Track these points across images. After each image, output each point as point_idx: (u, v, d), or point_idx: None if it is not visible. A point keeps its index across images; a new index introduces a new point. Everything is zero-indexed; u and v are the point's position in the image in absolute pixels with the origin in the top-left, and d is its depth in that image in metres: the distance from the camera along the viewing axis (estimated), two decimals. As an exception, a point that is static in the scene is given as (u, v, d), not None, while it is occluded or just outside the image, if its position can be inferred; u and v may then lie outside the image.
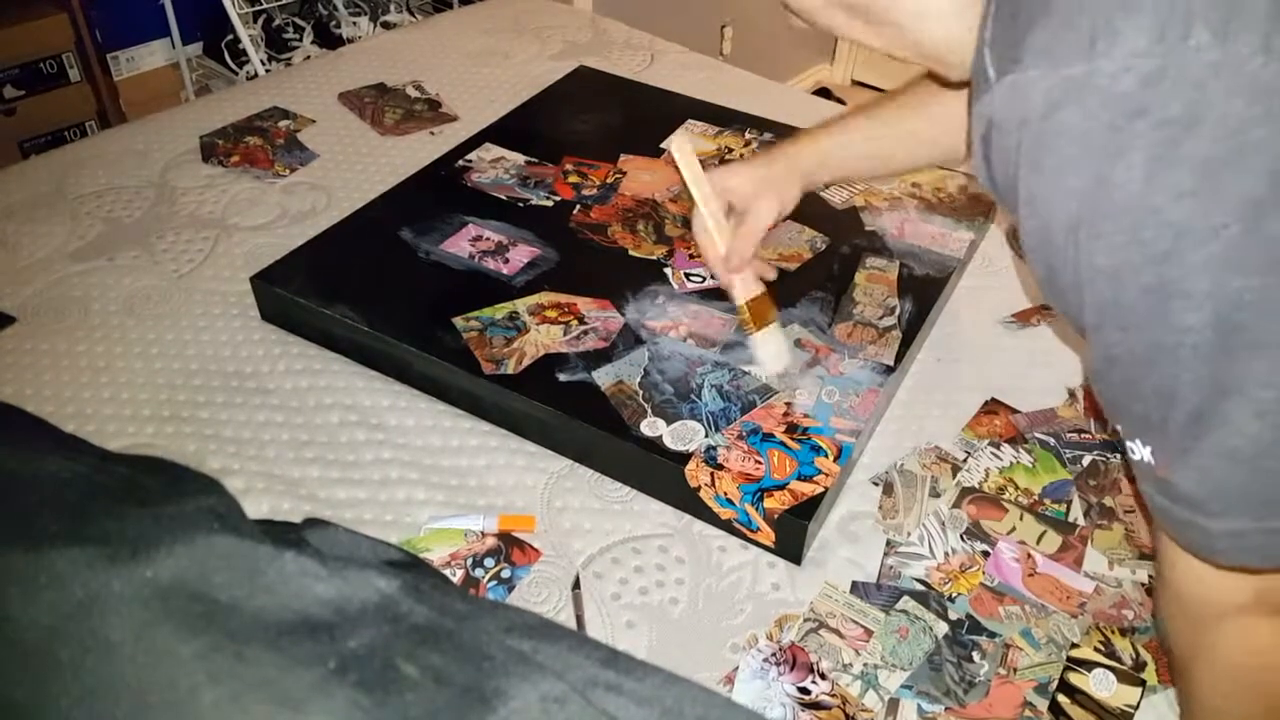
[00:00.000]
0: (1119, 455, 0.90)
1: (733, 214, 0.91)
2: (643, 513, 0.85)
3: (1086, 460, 0.89)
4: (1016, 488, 0.87)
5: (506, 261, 1.04)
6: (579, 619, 0.76)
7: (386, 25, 2.54)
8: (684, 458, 0.82)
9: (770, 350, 0.91)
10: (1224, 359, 0.46)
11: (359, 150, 1.33)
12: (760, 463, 0.82)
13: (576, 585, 0.79)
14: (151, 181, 1.25)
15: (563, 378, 0.90)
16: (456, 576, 0.79)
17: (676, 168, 0.90)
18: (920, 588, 0.79)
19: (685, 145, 0.89)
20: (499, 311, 0.97)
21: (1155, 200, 0.45)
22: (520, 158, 1.23)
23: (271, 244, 1.13)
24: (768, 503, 0.79)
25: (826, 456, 0.83)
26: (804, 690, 0.72)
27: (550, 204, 1.14)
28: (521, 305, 0.98)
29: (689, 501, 0.84)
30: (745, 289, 0.91)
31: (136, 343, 1.01)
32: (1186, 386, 0.48)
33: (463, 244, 1.06)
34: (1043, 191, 0.49)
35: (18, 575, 0.33)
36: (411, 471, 0.88)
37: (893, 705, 0.71)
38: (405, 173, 1.21)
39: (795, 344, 0.94)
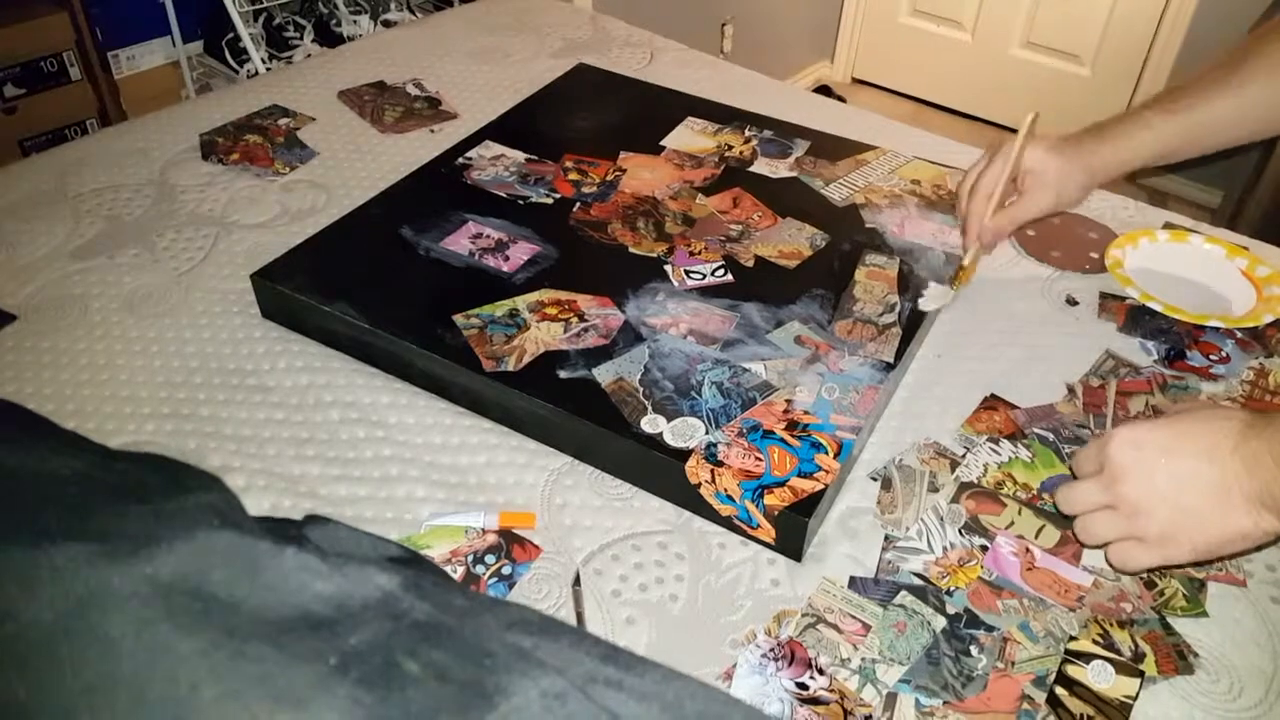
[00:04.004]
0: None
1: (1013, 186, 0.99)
2: (643, 509, 0.85)
3: (1086, 456, 0.90)
4: (1015, 483, 0.87)
5: (507, 259, 1.04)
6: (579, 615, 0.77)
7: (387, 23, 2.54)
8: (684, 455, 0.83)
9: (940, 299, 1.00)
10: None
11: (359, 148, 1.33)
12: (760, 459, 0.82)
13: (577, 582, 0.79)
14: (152, 180, 1.25)
15: (563, 375, 0.90)
16: (457, 573, 0.79)
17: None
18: (918, 582, 0.79)
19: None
20: (499, 309, 0.97)
21: None
22: (520, 155, 1.23)
23: (272, 242, 1.13)
24: (768, 499, 0.79)
25: (827, 453, 0.83)
26: (802, 685, 0.72)
27: (550, 201, 1.15)
28: (522, 302, 0.98)
29: (689, 498, 0.84)
30: (972, 254, 1.00)
31: (137, 340, 1.01)
32: None
33: (463, 241, 1.06)
34: None
35: (18, 572, 0.33)
36: (412, 469, 0.88)
37: (890, 699, 0.71)
38: (405, 170, 1.21)
39: (796, 340, 0.94)
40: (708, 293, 1.01)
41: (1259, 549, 0.73)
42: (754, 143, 1.27)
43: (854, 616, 0.77)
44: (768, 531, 0.81)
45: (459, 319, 0.96)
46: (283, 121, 1.37)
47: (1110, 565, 0.72)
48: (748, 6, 3.07)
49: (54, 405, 0.93)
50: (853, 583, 0.79)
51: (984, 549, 0.82)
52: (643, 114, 1.34)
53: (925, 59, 3.41)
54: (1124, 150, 0.96)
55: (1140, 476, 0.66)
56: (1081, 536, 0.73)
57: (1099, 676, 0.73)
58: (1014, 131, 1.01)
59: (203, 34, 2.56)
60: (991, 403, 0.96)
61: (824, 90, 3.29)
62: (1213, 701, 0.72)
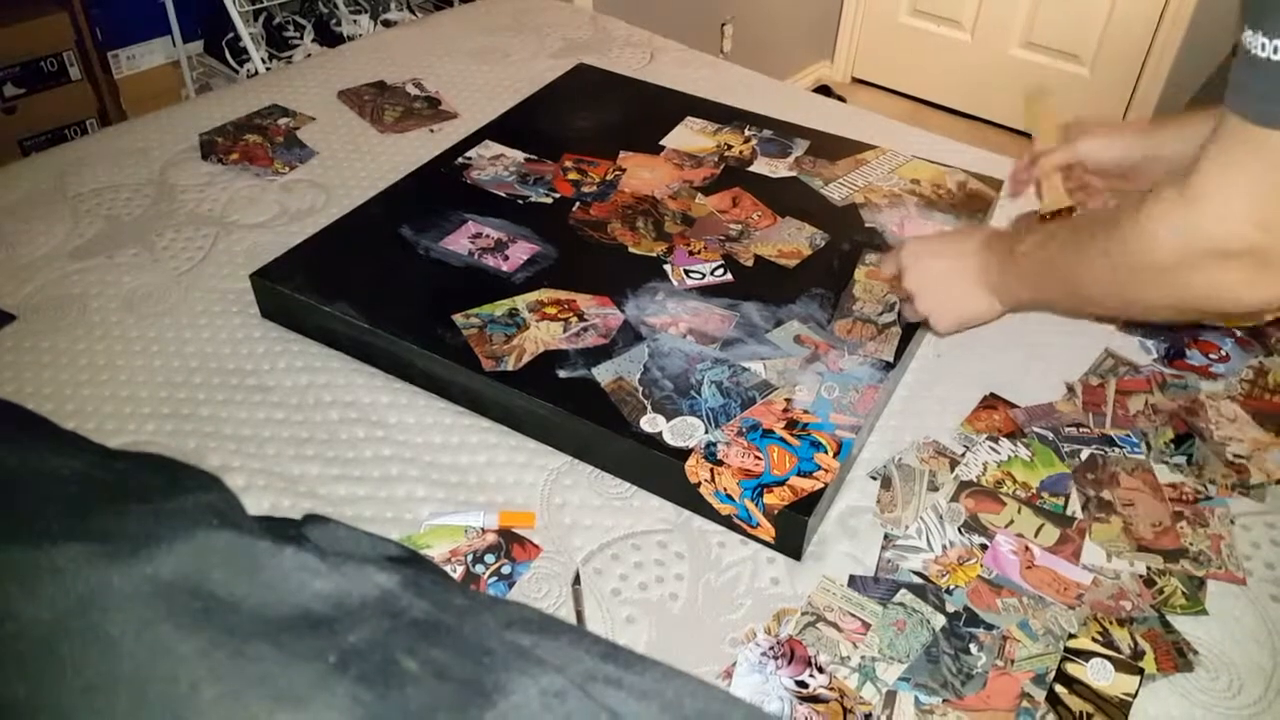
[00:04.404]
0: (1116, 449, 0.90)
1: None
2: (642, 509, 0.85)
3: (1085, 454, 0.90)
4: (1014, 481, 0.87)
5: (506, 258, 1.04)
6: (579, 614, 0.77)
7: (386, 23, 2.53)
8: (684, 454, 0.83)
9: None
10: None
11: (359, 148, 1.33)
12: (760, 459, 0.82)
13: (576, 581, 0.79)
14: (151, 179, 1.25)
15: (562, 374, 0.90)
16: (457, 573, 0.79)
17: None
18: (918, 581, 0.79)
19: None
20: (499, 308, 0.97)
21: None
22: (520, 155, 1.23)
23: (271, 241, 1.13)
24: (767, 498, 0.79)
25: (826, 452, 0.83)
26: (802, 683, 0.72)
27: (550, 201, 1.15)
28: (521, 302, 0.98)
29: (689, 497, 0.84)
30: (1053, 202, 0.98)
31: (136, 340, 1.01)
32: None
33: (462, 241, 1.06)
34: None
35: (19, 571, 0.33)
36: (412, 468, 0.88)
37: (890, 697, 0.71)
38: (405, 170, 1.21)
39: (796, 339, 0.95)
40: (707, 292, 1.01)
41: (992, 321, 0.94)
42: (754, 142, 1.27)
43: (854, 615, 0.77)
44: (767, 530, 0.81)
45: (459, 319, 0.96)
46: (282, 121, 1.37)
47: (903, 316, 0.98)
48: (748, 6, 3.06)
49: (53, 405, 0.93)
50: (852, 581, 0.79)
51: (983, 547, 0.82)
52: (642, 114, 1.34)
53: (925, 59, 3.40)
54: (1187, 128, 0.93)
55: (914, 272, 0.92)
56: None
57: (1098, 674, 0.73)
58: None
59: (203, 34, 2.56)
60: (991, 402, 0.96)
61: (824, 90, 3.29)
62: (1212, 699, 0.72)
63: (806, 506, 0.79)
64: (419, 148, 1.32)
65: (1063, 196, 0.96)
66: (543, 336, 0.94)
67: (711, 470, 0.81)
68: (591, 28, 1.70)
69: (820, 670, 0.73)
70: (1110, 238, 0.74)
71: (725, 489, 0.81)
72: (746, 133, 1.29)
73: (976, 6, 3.23)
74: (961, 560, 0.81)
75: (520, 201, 1.14)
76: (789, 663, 0.73)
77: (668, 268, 1.04)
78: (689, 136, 1.28)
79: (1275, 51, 0.60)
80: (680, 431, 0.85)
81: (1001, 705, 0.71)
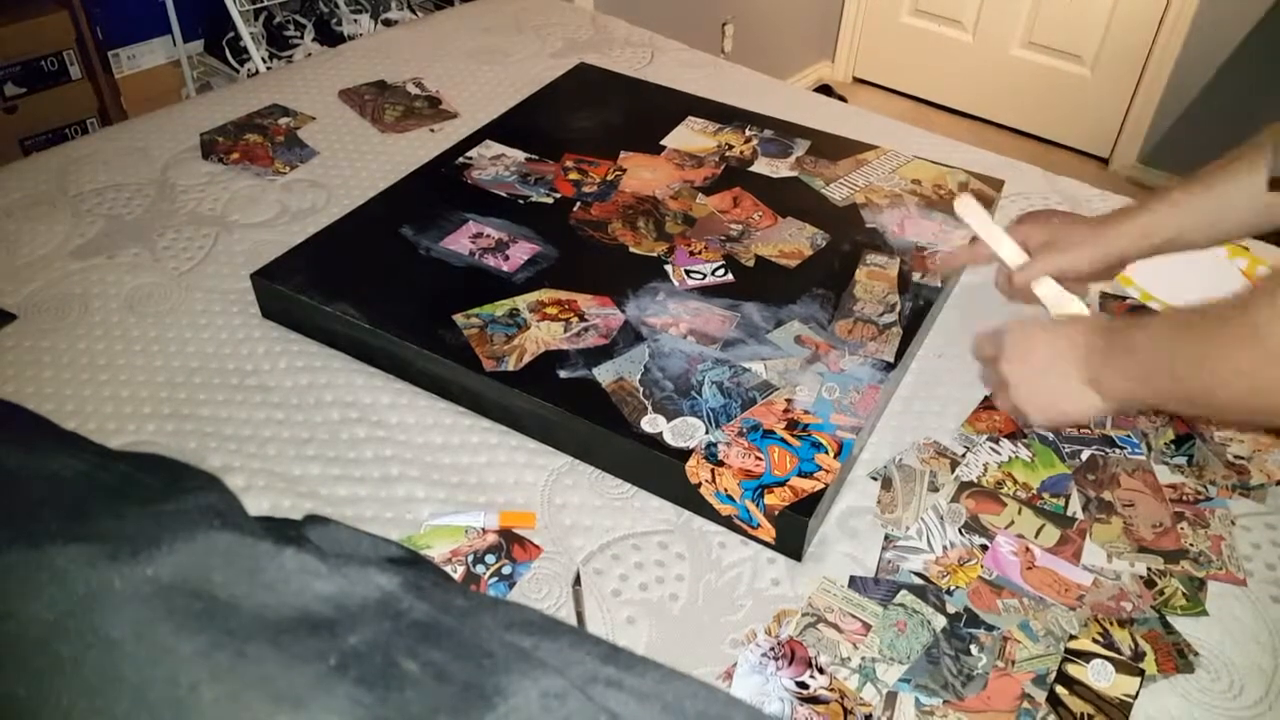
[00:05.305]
0: (1117, 450, 0.90)
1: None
2: (643, 509, 0.85)
3: (1085, 455, 0.90)
4: (1015, 482, 0.87)
5: (507, 258, 1.04)
6: (579, 615, 0.77)
7: (387, 22, 2.53)
8: (684, 454, 0.83)
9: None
10: None
11: (359, 147, 1.33)
12: (760, 459, 0.82)
13: (577, 581, 0.79)
14: (152, 179, 1.25)
15: (563, 375, 0.90)
16: (457, 573, 0.79)
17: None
18: (918, 582, 0.79)
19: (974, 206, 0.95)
20: (499, 308, 0.97)
21: None
22: (520, 155, 1.23)
23: (272, 241, 1.13)
24: (768, 499, 0.79)
25: (827, 453, 0.83)
26: (802, 684, 0.72)
27: (551, 201, 1.15)
28: (522, 302, 0.98)
29: (689, 498, 0.84)
30: (1059, 307, 0.90)
31: (137, 340, 1.01)
32: None
33: (463, 241, 1.06)
34: None
35: (19, 572, 0.33)
36: (412, 469, 0.88)
37: (890, 698, 0.71)
38: (405, 170, 1.21)
39: (796, 340, 0.94)
40: (708, 292, 1.01)
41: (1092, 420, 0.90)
42: (754, 142, 1.27)
43: (854, 616, 0.77)
44: (768, 531, 0.81)
45: (459, 319, 0.96)
46: (283, 121, 1.37)
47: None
48: (748, 6, 3.07)
49: (54, 405, 0.93)
50: (853, 582, 0.79)
51: (984, 548, 0.82)
52: (643, 114, 1.33)
53: (926, 59, 3.40)
54: (1147, 225, 0.91)
55: (1013, 357, 0.81)
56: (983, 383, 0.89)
57: (1099, 675, 0.73)
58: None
59: (203, 33, 2.56)
60: (991, 402, 0.96)
61: (825, 90, 3.29)
62: (1213, 700, 0.72)
63: (807, 507, 0.79)
64: (419, 147, 1.31)
65: (1069, 298, 0.92)
66: (543, 336, 0.94)
67: (712, 471, 0.81)
68: (592, 27, 1.70)
69: (821, 671, 0.73)
70: (1243, 329, 0.63)
71: (726, 489, 0.81)
72: (747, 133, 1.29)
73: (978, 6, 3.23)
74: (962, 561, 0.81)
75: (521, 201, 1.14)
76: (789, 664, 0.73)
77: (668, 268, 1.04)
78: (690, 136, 1.28)
79: None
80: (681, 432, 0.85)
81: (1002, 706, 0.71)
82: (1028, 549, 0.82)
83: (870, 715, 0.70)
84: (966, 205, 0.96)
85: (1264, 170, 0.84)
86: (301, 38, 2.49)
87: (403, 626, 0.34)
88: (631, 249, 1.07)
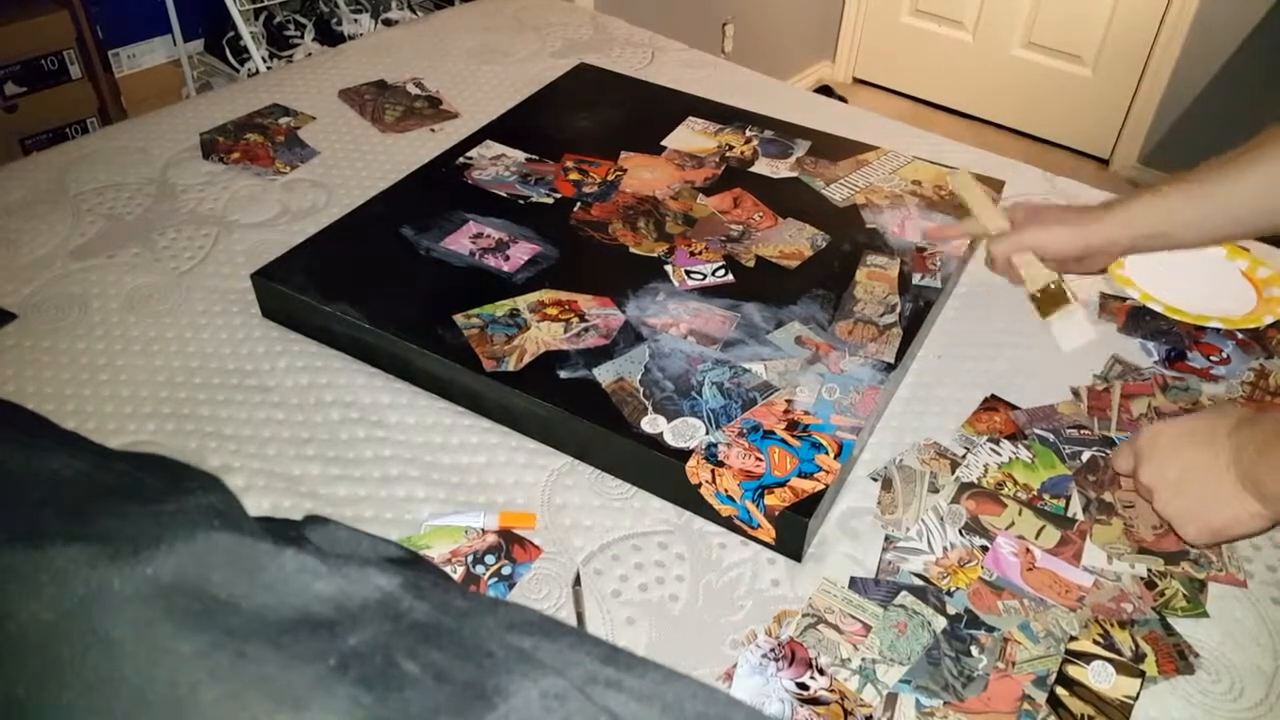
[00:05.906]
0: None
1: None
2: (643, 510, 0.85)
3: (1085, 456, 0.90)
4: (1015, 483, 0.87)
5: (507, 259, 1.04)
6: (579, 616, 0.76)
7: (387, 22, 2.54)
8: (685, 455, 0.83)
9: (1063, 330, 0.95)
10: None
11: (359, 147, 1.33)
12: (761, 460, 0.82)
13: (577, 582, 0.79)
14: (152, 178, 1.25)
15: (563, 375, 0.90)
16: (457, 574, 0.79)
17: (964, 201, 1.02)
18: (919, 583, 0.79)
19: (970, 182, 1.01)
20: (500, 309, 0.97)
21: None
22: (521, 155, 1.23)
23: (272, 241, 1.13)
24: (768, 500, 0.79)
25: (827, 454, 0.83)
26: (802, 685, 0.72)
27: (551, 201, 1.15)
28: (522, 302, 0.98)
29: (689, 498, 0.84)
30: (1034, 280, 0.95)
31: (137, 340, 1.01)
32: None
33: (463, 241, 1.06)
34: None
35: (18, 572, 0.33)
36: (412, 469, 0.88)
37: (891, 700, 0.71)
38: (406, 170, 1.21)
39: (797, 341, 0.94)
40: (708, 293, 1.01)
41: (1259, 534, 0.79)
42: (755, 143, 1.27)
43: (854, 617, 0.76)
44: (768, 532, 0.81)
45: (459, 319, 0.95)
46: (283, 120, 1.37)
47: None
48: (749, 6, 3.07)
49: (54, 405, 0.93)
50: (853, 583, 0.79)
51: (984, 549, 0.82)
52: (643, 114, 1.33)
53: (926, 59, 3.41)
54: (1130, 214, 0.91)
55: (1154, 463, 0.76)
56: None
57: (1099, 677, 0.73)
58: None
59: (203, 32, 2.57)
60: (992, 403, 0.96)
61: (825, 90, 3.29)
62: (1213, 701, 0.72)
63: (807, 508, 0.79)
64: (420, 147, 1.31)
65: (1046, 272, 0.94)
66: (544, 337, 0.94)
67: (712, 471, 0.81)
68: (592, 27, 1.70)
69: (821, 672, 0.73)
70: None
71: (726, 490, 0.81)
72: (748, 133, 1.29)
73: (978, 7, 3.23)
74: (962, 562, 0.81)
75: (521, 201, 1.14)
76: (789, 665, 0.73)
77: (669, 268, 1.04)
78: (690, 137, 1.28)
79: None
80: (681, 432, 0.84)
81: (1002, 708, 0.71)
82: (1028, 550, 0.82)
83: (870, 716, 0.70)
84: (960, 178, 1.00)
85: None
86: (302, 37, 2.49)
87: (403, 627, 0.34)
88: (632, 249, 1.07)
